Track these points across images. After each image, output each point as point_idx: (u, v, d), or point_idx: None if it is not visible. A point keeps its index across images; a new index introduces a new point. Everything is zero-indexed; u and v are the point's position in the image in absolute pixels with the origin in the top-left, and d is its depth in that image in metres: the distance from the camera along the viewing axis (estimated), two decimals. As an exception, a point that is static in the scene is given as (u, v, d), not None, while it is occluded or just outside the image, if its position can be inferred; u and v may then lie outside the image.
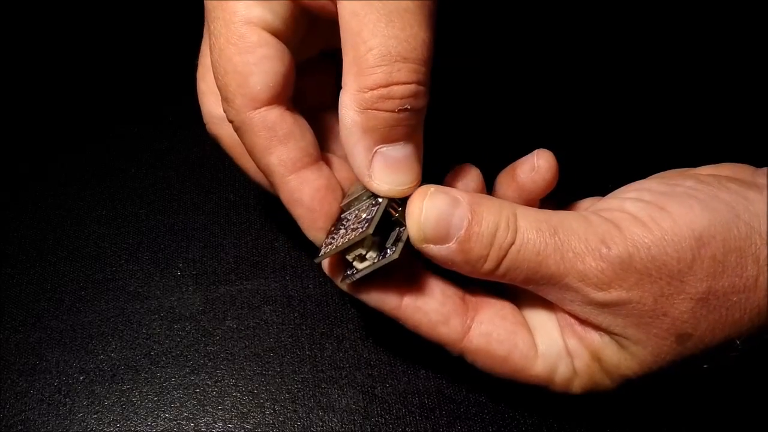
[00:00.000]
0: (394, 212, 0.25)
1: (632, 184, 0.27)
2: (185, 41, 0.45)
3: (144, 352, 0.33)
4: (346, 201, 0.26)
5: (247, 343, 0.33)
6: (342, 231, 0.25)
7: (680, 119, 0.41)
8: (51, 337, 0.33)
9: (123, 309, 0.34)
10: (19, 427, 0.31)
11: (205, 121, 0.29)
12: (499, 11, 0.46)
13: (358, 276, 0.25)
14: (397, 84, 0.23)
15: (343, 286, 0.26)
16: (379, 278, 0.25)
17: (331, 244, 0.25)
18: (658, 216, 0.24)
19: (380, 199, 0.25)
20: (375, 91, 0.23)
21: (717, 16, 0.45)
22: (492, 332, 0.26)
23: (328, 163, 0.27)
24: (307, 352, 0.33)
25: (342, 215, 0.26)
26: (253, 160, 0.26)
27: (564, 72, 0.43)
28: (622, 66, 0.43)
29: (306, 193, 0.26)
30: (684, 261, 0.23)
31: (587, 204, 0.29)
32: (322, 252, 0.26)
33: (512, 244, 0.24)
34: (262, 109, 0.25)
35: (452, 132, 0.30)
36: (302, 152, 0.26)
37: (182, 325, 0.34)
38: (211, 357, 0.33)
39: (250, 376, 0.32)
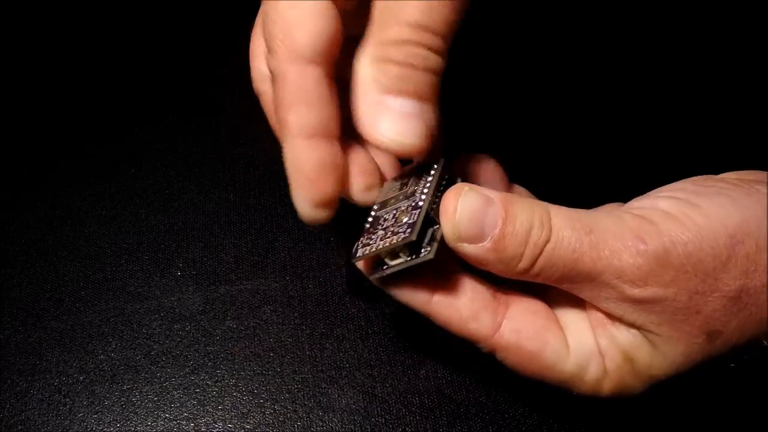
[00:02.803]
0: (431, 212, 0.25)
1: (663, 187, 0.27)
2: (186, 42, 0.46)
3: (144, 352, 0.33)
4: (380, 199, 0.26)
5: (247, 343, 0.33)
6: (381, 233, 0.25)
7: (684, 124, 0.41)
8: (51, 337, 0.33)
9: (123, 309, 0.34)
10: (19, 427, 0.31)
11: (252, 78, 0.30)
12: (499, 11, 0.46)
13: (388, 272, 0.25)
14: (409, 43, 0.23)
15: (374, 280, 0.26)
16: (410, 275, 0.25)
17: (369, 245, 0.25)
18: (692, 212, 0.24)
19: (420, 203, 0.25)
20: (387, 46, 0.24)
21: (720, 19, 0.45)
22: (523, 329, 0.25)
23: (348, 149, 0.27)
24: (307, 352, 0.33)
25: (376, 213, 0.26)
26: (276, 116, 0.26)
27: (566, 76, 0.43)
28: (625, 70, 0.43)
29: (309, 162, 0.25)
30: (719, 258, 0.23)
31: (609, 209, 0.28)
32: (359, 253, 0.25)
33: (547, 242, 0.24)
34: (301, 64, 0.25)
35: (453, 132, 0.30)
36: (321, 120, 0.25)
37: (182, 325, 0.34)
38: (211, 357, 0.33)
39: (250, 376, 0.32)
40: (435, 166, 0.26)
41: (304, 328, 0.33)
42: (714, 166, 0.27)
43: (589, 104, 0.42)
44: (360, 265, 0.26)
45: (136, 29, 0.47)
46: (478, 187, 0.25)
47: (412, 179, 0.26)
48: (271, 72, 0.26)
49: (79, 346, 0.33)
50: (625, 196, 0.27)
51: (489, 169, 0.29)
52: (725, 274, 0.23)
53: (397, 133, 0.24)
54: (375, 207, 0.27)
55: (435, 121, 0.25)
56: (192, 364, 0.32)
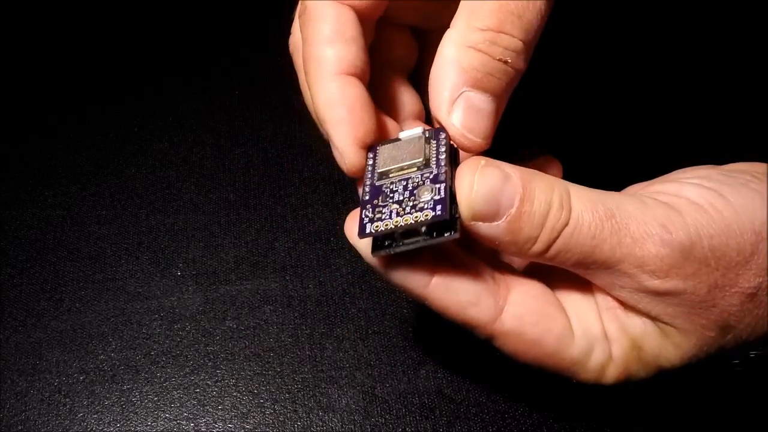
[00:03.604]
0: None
1: (685, 169, 0.26)
2: (186, 43, 0.46)
3: (144, 352, 0.33)
4: (383, 168, 0.24)
5: (247, 343, 0.33)
6: (395, 207, 0.23)
7: (680, 120, 0.41)
8: (51, 337, 0.33)
9: (123, 309, 0.34)
10: (19, 427, 0.31)
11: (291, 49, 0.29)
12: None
13: (398, 251, 0.22)
14: (506, 34, 0.23)
15: (372, 258, 0.23)
16: (410, 256, 0.23)
17: (380, 220, 0.22)
18: (720, 204, 0.23)
19: (442, 176, 0.23)
20: (483, 33, 0.23)
21: (719, 16, 0.45)
22: (525, 314, 0.24)
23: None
24: (307, 352, 0.33)
25: (376, 183, 0.24)
26: (305, 51, 0.26)
27: (564, 72, 0.43)
28: (622, 66, 0.43)
29: (350, 96, 0.25)
30: (743, 254, 0.22)
31: (632, 191, 0.27)
32: (369, 229, 0.22)
33: (565, 225, 0.22)
34: (340, 3, 0.25)
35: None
36: (359, 61, 0.25)
37: (182, 325, 0.34)
38: (211, 357, 0.33)
39: (250, 376, 0.32)
40: (441, 135, 0.25)
41: (304, 328, 0.33)
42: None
43: (589, 99, 0.42)
44: (366, 242, 0.23)
45: (137, 29, 0.47)
46: (495, 161, 0.23)
47: (416, 147, 0.25)
48: (301, 15, 0.26)
49: (79, 346, 0.33)
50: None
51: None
52: (746, 271, 0.22)
53: (468, 127, 0.24)
54: (370, 176, 0.25)
55: (497, 121, 0.24)
56: (192, 364, 0.32)
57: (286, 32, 0.29)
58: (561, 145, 0.40)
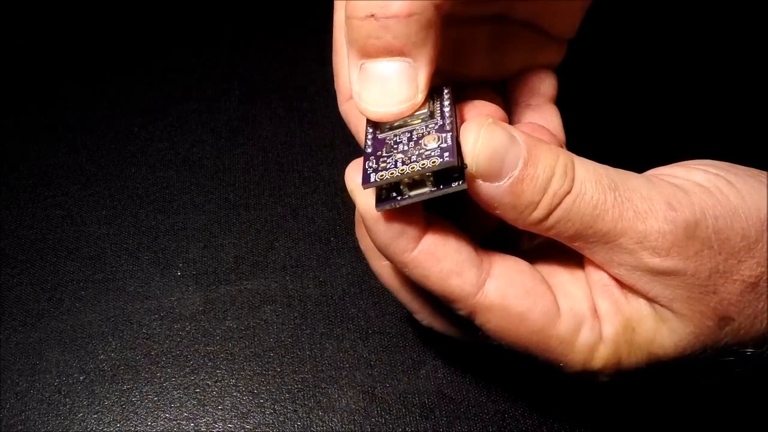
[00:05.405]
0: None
1: (690, 160, 0.25)
2: (186, 42, 0.46)
3: (144, 352, 0.33)
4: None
5: (247, 343, 0.33)
6: (400, 156, 0.22)
7: (684, 124, 0.41)
8: (51, 337, 0.33)
9: (123, 309, 0.34)
10: (19, 427, 0.31)
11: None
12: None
13: (404, 203, 0.22)
14: None
15: (375, 211, 0.22)
16: (410, 214, 0.22)
17: (385, 169, 0.22)
18: (726, 189, 0.22)
19: (447, 126, 0.22)
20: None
21: (721, 16, 0.45)
22: (510, 287, 0.23)
23: None
24: (307, 352, 0.33)
25: (379, 136, 0.23)
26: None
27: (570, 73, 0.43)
28: (627, 66, 0.43)
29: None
30: (747, 240, 0.22)
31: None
32: (374, 178, 0.22)
33: (568, 193, 0.22)
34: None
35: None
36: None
37: (182, 325, 0.34)
38: (211, 357, 0.33)
39: (250, 376, 0.32)
40: (445, 92, 0.24)
41: (304, 328, 0.33)
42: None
43: (591, 100, 0.42)
44: (369, 194, 0.22)
45: (137, 29, 0.47)
46: (501, 122, 0.22)
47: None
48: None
49: (79, 346, 0.33)
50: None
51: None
52: (749, 259, 0.22)
53: (379, 103, 0.23)
54: (371, 130, 0.24)
55: (426, 73, 0.23)
56: (192, 364, 0.32)
57: (286, 33, 0.29)
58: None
